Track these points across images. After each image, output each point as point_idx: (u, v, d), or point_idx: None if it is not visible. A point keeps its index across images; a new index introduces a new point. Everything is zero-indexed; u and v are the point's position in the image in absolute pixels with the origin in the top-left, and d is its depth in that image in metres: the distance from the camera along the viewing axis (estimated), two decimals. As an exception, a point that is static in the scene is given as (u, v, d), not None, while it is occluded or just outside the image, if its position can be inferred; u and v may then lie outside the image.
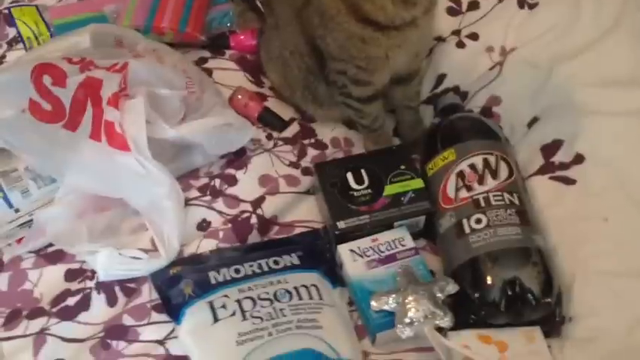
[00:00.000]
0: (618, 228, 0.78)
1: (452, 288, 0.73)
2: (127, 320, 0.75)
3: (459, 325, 0.73)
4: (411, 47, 0.79)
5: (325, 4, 0.74)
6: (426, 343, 0.73)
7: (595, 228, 0.79)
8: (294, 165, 0.87)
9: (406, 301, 0.71)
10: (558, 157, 0.85)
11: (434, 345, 0.70)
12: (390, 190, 0.81)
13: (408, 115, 0.90)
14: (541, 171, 0.84)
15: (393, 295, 0.72)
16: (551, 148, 0.86)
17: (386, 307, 0.72)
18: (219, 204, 0.83)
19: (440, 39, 0.97)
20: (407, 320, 0.70)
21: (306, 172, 0.87)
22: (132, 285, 0.77)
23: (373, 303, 0.72)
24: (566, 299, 0.75)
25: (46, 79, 0.78)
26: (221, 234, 0.80)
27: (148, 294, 0.77)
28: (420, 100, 0.91)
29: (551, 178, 0.84)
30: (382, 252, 0.77)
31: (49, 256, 0.80)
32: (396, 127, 0.92)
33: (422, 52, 0.87)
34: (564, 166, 0.84)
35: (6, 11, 1.03)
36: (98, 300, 0.77)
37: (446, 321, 0.71)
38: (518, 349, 0.71)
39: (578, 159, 0.84)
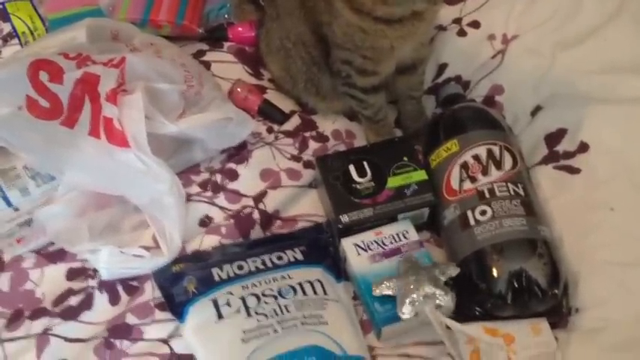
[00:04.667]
0: (625, 217, 0.78)
1: (453, 271, 0.73)
2: (131, 319, 0.74)
3: (465, 317, 0.72)
4: (417, 38, 0.78)
5: None
6: (431, 335, 0.72)
7: (601, 217, 0.78)
8: (295, 158, 0.86)
9: (407, 282, 0.71)
10: (562, 146, 0.84)
11: (434, 324, 0.69)
12: (393, 182, 0.80)
13: (410, 106, 0.89)
14: (545, 160, 0.84)
15: (394, 280, 0.72)
16: (555, 137, 0.85)
17: (387, 292, 0.72)
18: (221, 199, 0.83)
19: (441, 28, 0.96)
20: (407, 301, 0.70)
21: (307, 165, 0.86)
22: (134, 283, 0.77)
23: (374, 289, 0.72)
24: (573, 290, 0.75)
25: (43, 76, 0.77)
26: (223, 230, 0.80)
27: (150, 292, 0.76)
28: (423, 90, 0.90)
29: (555, 167, 0.83)
30: (386, 245, 0.77)
31: (50, 255, 0.79)
32: (398, 117, 0.91)
33: (426, 40, 0.86)
34: (569, 155, 0.83)
35: (0, 6, 1.01)
36: (101, 299, 0.76)
37: (447, 300, 0.70)
38: (525, 341, 0.70)
39: (583, 147, 0.83)
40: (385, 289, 0.72)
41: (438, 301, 0.70)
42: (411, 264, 0.74)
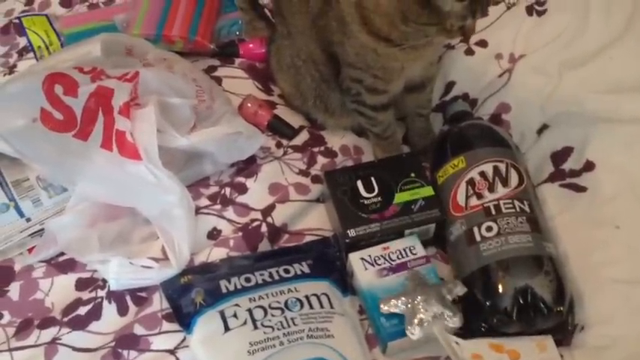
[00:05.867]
0: (630, 235, 0.78)
1: (460, 290, 0.73)
2: (138, 329, 0.75)
3: (470, 333, 0.73)
4: (426, 59, 0.80)
5: (343, 10, 0.74)
6: (436, 350, 0.73)
7: (606, 235, 0.78)
8: (303, 173, 0.87)
9: (415, 302, 0.71)
10: (568, 165, 0.85)
11: (443, 344, 0.70)
12: (400, 198, 0.81)
13: (419, 123, 0.90)
14: (551, 178, 0.84)
15: (402, 298, 0.72)
16: (561, 156, 0.86)
17: (395, 310, 0.72)
18: (230, 212, 0.83)
19: (449, 46, 0.97)
20: (416, 321, 0.71)
21: (315, 180, 0.87)
22: (143, 294, 0.78)
23: (382, 306, 0.73)
24: (578, 307, 0.75)
25: (58, 89, 0.79)
26: (231, 242, 0.80)
27: (158, 303, 0.77)
28: (431, 108, 0.91)
29: (561, 185, 0.84)
30: (393, 260, 0.77)
31: (60, 265, 0.80)
32: (406, 134, 0.92)
33: (435, 60, 0.87)
34: (575, 173, 0.84)
35: (16, 21, 1.03)
36: (109, 309, 0.77)
37: (455, 321, 0.71)
38: (531, 357, 0.70)
39: (589, 166, 0.84)
40: (393, 308, 0.72)
41: (446, 322, 0.71)
42: (418, 281, 0.74)
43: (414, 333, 0.71)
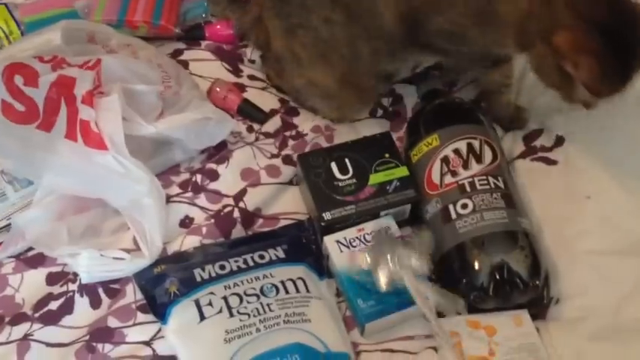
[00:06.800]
0: (600, 206, 0.79)
1: (426, 235, 0.73)
2: (112, 322, 0.74)
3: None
4: None
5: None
6: (414, 330, 0.73)
7: (578, 207, 0.79)
8: (275, 156, 0.86)
9: (381, 254, 0.72)
10: (540, 142, 0.85)
11: (411, 292, 0.70)
12: (375, 179, 0.80)
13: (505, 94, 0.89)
14: (523, 155, 0.85)
15: (369, 252, 0.73)
16: (532, 136, 0.86)
17: (363, 266, 0.73)
18: (202, 199, 0.82)
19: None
20: (384, 270, 0.71)
21: (287, 161, 0.85)
22: (115, 286, 0.76)
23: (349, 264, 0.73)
24: (553, 280, 0.75)
25: (18, 79, 0.76)
26: (204, 230, 0.79)
27: (132, 294, 0.76)
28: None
29: (533, 159, 0.84)
30: (368, 242, 0.77)
31: (30, 260, 0.78)
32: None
33: None
34: (546, 149, 0.85)
35: (-26, 11, 1.00)
36: (81, 303, 0.75)
37: (422, 267, 0.71)
38: (507, 332, 0.71)
39: (559, 141, 0.84)
40: (362, 263, 0.73)
41: (414, 267, 0.71)
42: (384, 236, 0.75)
43: (383, 283, 0.71)
